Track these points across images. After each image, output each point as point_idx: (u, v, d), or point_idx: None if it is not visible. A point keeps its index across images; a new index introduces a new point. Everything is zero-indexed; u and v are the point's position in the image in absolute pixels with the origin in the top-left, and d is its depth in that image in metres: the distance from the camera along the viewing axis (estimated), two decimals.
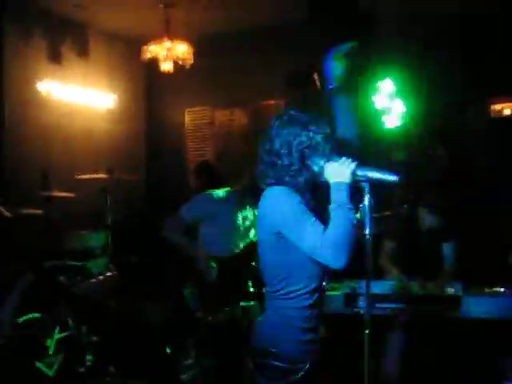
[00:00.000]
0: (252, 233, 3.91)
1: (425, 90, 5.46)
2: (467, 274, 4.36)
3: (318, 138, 2.21)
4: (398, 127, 5.11)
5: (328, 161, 2.20)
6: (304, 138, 2.20)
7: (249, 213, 3.93)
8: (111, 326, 3.94)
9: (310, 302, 2.25)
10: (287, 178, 2.20)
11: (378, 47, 4.82)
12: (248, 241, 3.88)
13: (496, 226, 5.51)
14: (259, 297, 3.51)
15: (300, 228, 2.10)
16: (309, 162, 2.21)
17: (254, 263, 3.64)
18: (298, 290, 2.23)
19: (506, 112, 6.92)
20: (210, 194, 3.86)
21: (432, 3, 5.46)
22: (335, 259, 2.05)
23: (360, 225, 2.15)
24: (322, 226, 2.10)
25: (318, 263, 2.20)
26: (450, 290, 3.78)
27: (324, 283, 2.30)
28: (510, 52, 5.73)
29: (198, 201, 3.86)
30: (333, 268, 2.10)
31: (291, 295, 2.24)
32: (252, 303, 3.66)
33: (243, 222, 3.87)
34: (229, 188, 3.90)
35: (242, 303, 3.66)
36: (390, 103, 5.02)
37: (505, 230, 5.17)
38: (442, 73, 5.58)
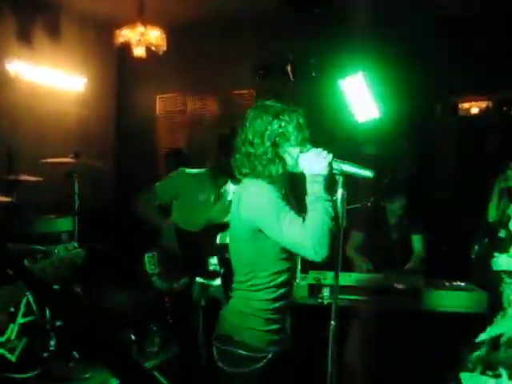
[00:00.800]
0: (217, 211, 3.94)
1: (395, 87, 5.52)
2: (433, 266, 4.48)
3: (290, 127, 2.23)
4: (368, 122, 5.15)
5: (301, 151, 2.24)
6: (275, 127, 2.22)
7: (220, 192, 3.95)
8: (74, 311, 3.91)
9: (277, 294, 2.28)
10: (260, 168, 2.22)
11: (349, 38, 4.86)
12: (213, 218, 3.91)
13: (460, 222, 5.63)
14: (224, 278, 3.55)
15: (279, 223, 2.11)
16: (281, 151, 2.23)
17: (218, 242, 3.68)
18: (265, 283, 2.26)
19: (474, 110, 7.06)
20: (183, 171, 3.89)
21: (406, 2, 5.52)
22: (317, 252, 2.07)
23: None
24: (301, 220, 2.12)
25: (291, 258, 2.24)
26: (411, 283, 3.85)
27: (291, 278, 2.33)
28: (479, 51, 5.83)
29: (171, 178, 3.89)
30: (314, 261, 2.12)
31: (258, 287, 2.27)
32: (214, 282, 3.69)
33: (214, 200, 3.86)
34: (201, 168, 3.93)
35: (200, 279, 3.70)
36: (360, 98, 5.05)
37: (469, 225, 5.29)
38: (412, 70, 5.65)
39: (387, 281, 3.92)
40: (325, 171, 2.17)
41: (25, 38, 6.25)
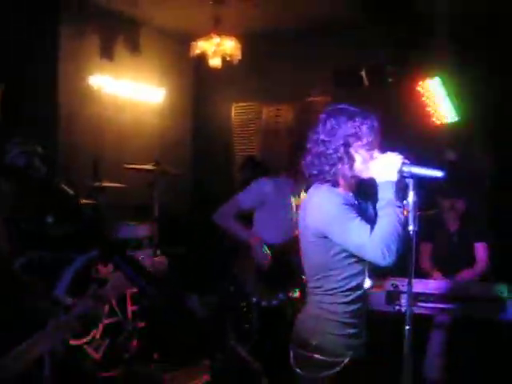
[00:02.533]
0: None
1: (475, 91, 5.35)
2: (500, 275, 4.30)
3: (364, 128, 2.23)
4: (448, 126, 5.03)
5: (372, 154, 2.23)
6: (349, 126, 2.22)
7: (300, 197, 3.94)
8: (159, 313, 4.03)
9: (351, 298, 2.28)
10: (327, 167, 2.23)
11: (428, 46, 4.76)
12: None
13: None
14: None
15: (346, 228, 2.13)
16: (352, 151, 2.23)
17: None
18: (337, 288, 2.26)
19: None
20: (264, 179, 3.90)
21: (481, 4, 5.35)
22: (384, 257, 2.07)
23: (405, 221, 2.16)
24: (368, 225, 2.12)
25: (360, 262, 2.23)
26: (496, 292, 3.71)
27: (366, 282, 2.31)
28: None
29: (253, 187, 3.90)
30: (381, 265, 2.13)
31: (330, 292, 2.27)
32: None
33: (297, 209, 3.85)
34: (280, 177, 3.93)
35: (294, 291, 3.68)
36: (438, 102, 4.95)
37: None
38: (494, 74, 5.46)
39: (468, 289, 3.80)
40: (395, 177, 2.15)
41: (107, 52, 6.53)
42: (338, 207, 2.17)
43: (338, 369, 2.25)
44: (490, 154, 5.73)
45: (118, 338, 3.94)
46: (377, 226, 2.11)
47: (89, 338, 3.69)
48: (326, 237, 2.20)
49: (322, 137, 2.25)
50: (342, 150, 2.21)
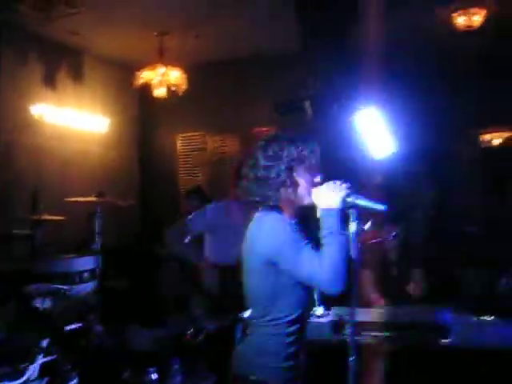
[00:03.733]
0: None
1: (413, 120, 5.51)
2: (436, 300, 4.40)
3: (306, 151, 2.23)
4: (384, 157, 5.15)
5: (314, 178, 2.23)
6: (292, 150, 2.21)
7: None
8: (87, 352, 3.90)
9: (293, 329, 2.24)
10: (271, 193, 2.20)
11: (365, 73, 4.89)
12: None
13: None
14: None
15: (298, 256, 2.10)
16: (295, 176, 2.22)
17: None
18: (282, 318, 2.22)
19: (495, 142, 7.01)
20: (216, 204, 3.88)
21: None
22: (334, 285, 2.06)
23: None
24: (317, 254, 2.10)
25: (304, 290, 2.21)
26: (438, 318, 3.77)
27: (318, 309, 2.30)
28: (498, 83, 5.83)
29: (205, 211, 3.88)
30: (330, 293, 2.11)
31: (274, 322, 2.23)
32: None
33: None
34: (230, 200, 3.91)
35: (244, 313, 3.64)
36: (375, 132, 5.05)
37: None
38: (432, 103, 5.66)
39: (412, 316, 3.84)
40: (339, 205, 2.15)
41: (49, 81, 6.42)
42: (290, 235, 2.15)
43: None
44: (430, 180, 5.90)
45: (57, 378, 3.78)
46: (325, 255, 2.09)
47: (24, 379, 3.52)
48: (274, 264, 2.17)
49: (262, 162, 2.22)
50: (285, 174, 2.20)
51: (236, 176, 3.66)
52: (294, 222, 2.25)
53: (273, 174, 2.20)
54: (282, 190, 2.20)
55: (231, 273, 3.63)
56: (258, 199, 2.24)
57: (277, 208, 2.23)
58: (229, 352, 3.49)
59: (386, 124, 5.16)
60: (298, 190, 2.23)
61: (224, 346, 3.59)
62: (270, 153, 2.22)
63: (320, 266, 2.07)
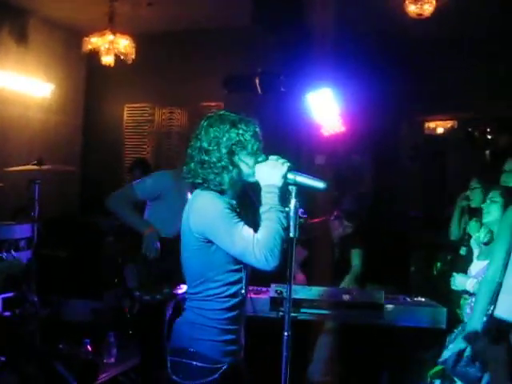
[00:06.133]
0: None
1: (361, 103, 5.58)
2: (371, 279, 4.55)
3: (247, 135, 2.23)
4: (332, 136, 5.22)
5: (257, 160, 2.23)
6: (233, 135, 2.21)
7: None
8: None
9: (229, 304, 2.26)
10: (212, 176, 2.20)
11: (317, 54, 4.90)
12: None
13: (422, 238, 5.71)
14: None
15: (231, 232, 2.11)
16: (237, 159, 2.22)
17: None
18: (217, 294, 2.24)
19: (439, 130, 7.19)
20: (166, 172, 3.81)
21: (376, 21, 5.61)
22: (267, 261, 2.07)
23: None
24: (251, 230, 2.12)
25: (238, 268, 2.22)
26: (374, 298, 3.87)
27: (243, 288, 2.31)
28: (445, 71, 5.95)
29: (153, 179, 3.80)
30: (263, 270, 2.12)
31: (209, 298, 2.24)
32: None
33: None
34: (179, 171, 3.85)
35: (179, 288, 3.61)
36: (325, 112, 5.10)
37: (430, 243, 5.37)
38: (380, 88, 5.73)
39: (349, 295, 3.93)
40: (279, 182, 2.17)
41: None
42: (223, 211, 2.15)
43: (216, 376, 2.22)
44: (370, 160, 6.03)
45: None
46: (260, 231, 2.11)
47: None
48: (209, 241, 2.18)
49: (204, 145, 2.21)
50: (226, 158, 2.20)
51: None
52: (234, 202, 2.26)
53: (214, 159, 2.20)
54: (224, 173, 2.20)
55: (171, 245, 3.62)
56: (199, 181, 2.24)
57: (218, 190, 2.22)
58: (159, 326, 3.50)
59: (335, 104, 5.23)
60: (241, 172, 2.24)
61: (155, 319, 3.60)
62: (212, 136, 2.21)
63: (253, 243, 2.08)
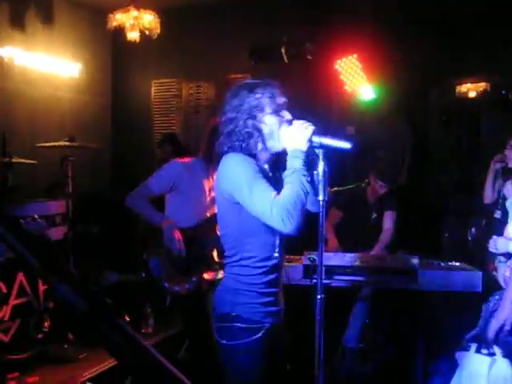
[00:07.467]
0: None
1: (391, 69, 5.49)
2: (405, 244, 4.50)
3: (265, 97, 2.25)
4: (363, 103, 5.14)
5: (280, 121, 2.25)
6: (251, 99, 2.25)
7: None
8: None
9: (265, 269, 2.29)
10: (237, 143, 2.24)
11: (345, 20, 4.82)
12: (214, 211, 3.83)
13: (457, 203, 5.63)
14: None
15: (252, 192, 2.12)
16: (259, 123, 2.24)
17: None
18: (251, 258, 2.27)
19: (471, 94, 7.02)
20: (176, 162, 3.79)
21: None
22: (284, 223, 2.08)
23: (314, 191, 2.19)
24: (275, 192, 2.13)
25: (270, 232, 2.23)
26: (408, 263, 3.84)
27: (276, 252, 2.32)
28: (476, 35, 5.79)
29: (164, 171, 3.78)
30: (283, 233, 2.14)
31: (243, 263, 2.28)
32: (218, 276, 3.60)
33: (209, 191, 3.74)
34: (194, 157, 3.82)
35: (206, 275, 3.62)
36: (355, 79, 5.03)
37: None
38: (410, 52, 5.61)
39: (383, 261, 3.91)
40: (305, 146, 2.18)
41: (18, 23, 6.18)
42: (247, 171, 2.17)
43: (259, 334, 2.27)
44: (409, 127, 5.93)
45: (29, 319, 3.78)
46: (283, 193, 2.12)
47: None
48: (237, 203, 2.20)
49: (228, 115, 2.27)
50: (249, 124, 2.23)
51: (211, 133, 3.52)
52: (265, 166, 2.28)
53: (239, 127, 2.24)
54: (250, 140, 2.23)
55: (193, 234, 3.63)
56: (225, 149, 2.27)
57: (247, 154, 2.24)
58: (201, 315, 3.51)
59: (365, 72, 5.15)
60: (266, 136, 2.25)
61: (195, 309, 3.62)
62: (233, 105, 2.27)
63: (272, 204, 2.08)
